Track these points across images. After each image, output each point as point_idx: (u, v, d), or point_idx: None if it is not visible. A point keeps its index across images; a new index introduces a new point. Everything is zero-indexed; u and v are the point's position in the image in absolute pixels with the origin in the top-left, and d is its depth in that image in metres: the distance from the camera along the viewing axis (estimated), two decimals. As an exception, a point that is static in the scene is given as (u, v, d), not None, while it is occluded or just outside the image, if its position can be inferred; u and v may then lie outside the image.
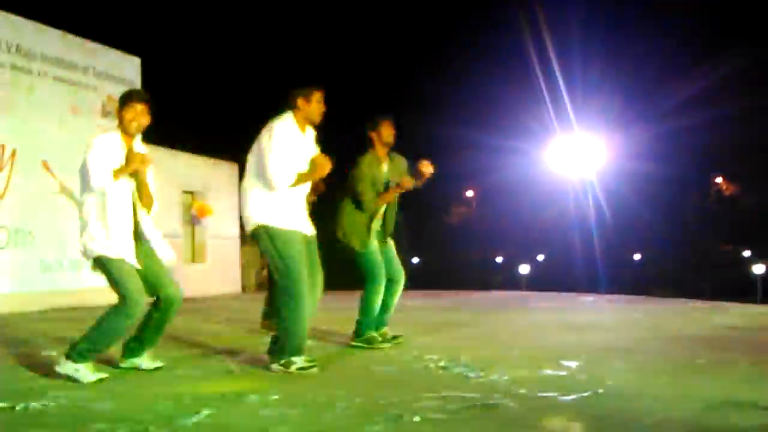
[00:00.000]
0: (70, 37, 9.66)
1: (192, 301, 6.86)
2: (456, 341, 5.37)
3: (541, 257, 33.56)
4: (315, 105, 4.26)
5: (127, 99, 4.08)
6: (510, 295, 12.24)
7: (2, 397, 3.28)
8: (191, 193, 12.16)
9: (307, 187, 4.31)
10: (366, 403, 3.14)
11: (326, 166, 4.17)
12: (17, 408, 3.11)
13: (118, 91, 10.20)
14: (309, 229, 4.33)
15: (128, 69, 10.60)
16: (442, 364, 4.18)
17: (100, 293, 4.73)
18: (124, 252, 3.86)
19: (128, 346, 4.13)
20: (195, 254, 12.30)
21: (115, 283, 3.81)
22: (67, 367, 3.75)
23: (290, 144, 4.16)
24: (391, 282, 5.17)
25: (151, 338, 4.10)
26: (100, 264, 3.87)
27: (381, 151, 5.16)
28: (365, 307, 5.12)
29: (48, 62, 9.22)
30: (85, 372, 3.72)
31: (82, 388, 3.55)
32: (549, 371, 3.94)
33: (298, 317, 4.09)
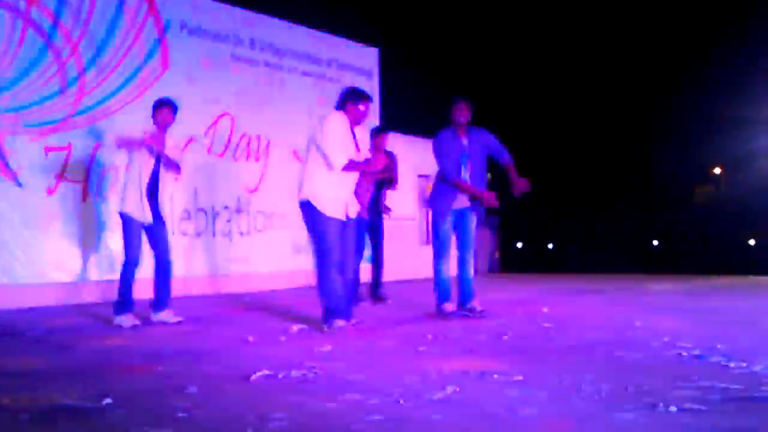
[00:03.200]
0: (315, 32, 10.30)
1: (428, 283, 7.04)
2: (710, 328, 4.98)
3: (802, 239, 30.15)
4: (361, 110, 5.14)
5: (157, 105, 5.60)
6: (767, 280, 11.15)
7: (265, 365, 3.56)
8: (426, 176, 12.45)
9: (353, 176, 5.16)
10: (615, 390, 3.01)
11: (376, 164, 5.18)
12: (279, 375, 3.37)
13: (358, 81, 10.79)
14: (350, 213, 5.18)
15: (367, 60, 11.10)
16: (696, 352, 3.90)
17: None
18: None
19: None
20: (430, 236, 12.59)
21: None
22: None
23: (344, 134, 5.04)
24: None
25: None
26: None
27: (458, 126, 5.86)
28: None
29: (296, 58, 9.92)
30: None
31: (336, 360, 3.77)
32: (824, 364, 3.52)
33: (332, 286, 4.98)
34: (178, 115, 5.75)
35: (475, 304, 5.87)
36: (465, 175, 5.85)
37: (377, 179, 7.02)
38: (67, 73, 7.45)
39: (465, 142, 5.87)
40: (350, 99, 5.16)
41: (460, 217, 5.91)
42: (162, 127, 5.57)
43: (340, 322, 4.92)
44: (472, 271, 5.97)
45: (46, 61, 7.29)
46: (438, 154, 5.87)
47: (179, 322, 5.54)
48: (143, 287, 5.73)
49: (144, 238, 5.60)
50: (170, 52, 8.36)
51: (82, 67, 7.58)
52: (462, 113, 5.86)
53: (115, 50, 7.85)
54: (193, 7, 8.72)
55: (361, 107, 5.13)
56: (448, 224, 5.86)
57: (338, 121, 5.05)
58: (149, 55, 8.16)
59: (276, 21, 9.78)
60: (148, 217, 5.44)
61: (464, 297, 5.90)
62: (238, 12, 9.30)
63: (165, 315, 5.61)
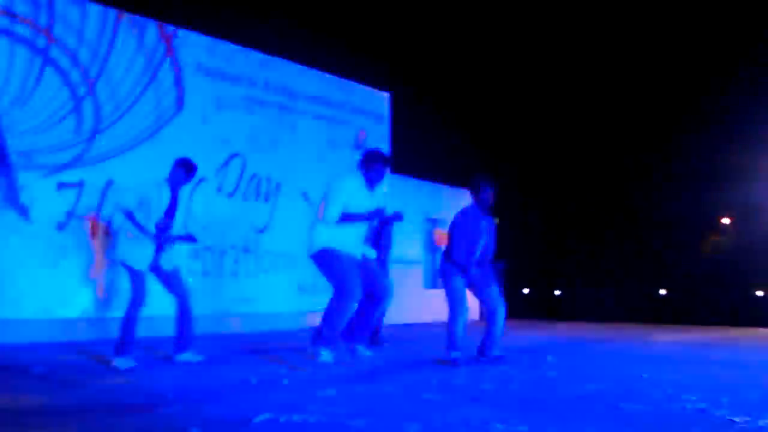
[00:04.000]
0: (327, 76, 10.45)
1: (433, 327, 7.02)
2: (715, 380, 4.94)
3: (813, 292, 29.93)
4: (373, 173, 5.43)
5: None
6: (776, 333, 11.06)
7: (267, 408, 3.56)
8: (434, 220, 12.50)
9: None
10: (617, 442, 2.99)
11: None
12: (281, 419, 3.36)
13: (369, 124, 10.92)
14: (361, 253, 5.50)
15: (379, 104, 11.23)
16: (701, 405, 3.87)
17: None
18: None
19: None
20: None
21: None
22: None
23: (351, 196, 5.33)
24: None
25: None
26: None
27: (483, 208, 5.90)
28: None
29: (308, 101, 10.05)
30: None
31: (338, 405, 3.76)
32: (830, 422, 3.49)
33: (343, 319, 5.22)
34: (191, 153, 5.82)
35: (496, 352, 5.93)
36: (477, 254, 5.89)
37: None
38: (82, 111, 7.58)
39: (484, 224, 5.93)
40: (364, 161, 5.48)
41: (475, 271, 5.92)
42: (175, 185, 5.56)
43: (327, 355, 5.21)
44: (501, 323, 5.93)
45: (62, 98, 7.43)
46: (457, 233, 5.83)
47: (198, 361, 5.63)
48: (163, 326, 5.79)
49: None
50: (185, 92, 8.50)
51: (98, 105, 7.71)
52: (491, 197, 5.89)
53: (131, 90, 7.99)
54: (209, 50, 8.89)
55: (372, 170, 5.43)
56: (459, 279, 5.84)
57: (348, 181, 5.40)
58: (165, 95, 8.30)
59: (290, 64, 9.93)
60: (141, 265, 5.42)
61: (488, 346, 5.93)
62: (253, 55, 9.46)
63: (187, 355, 5.65)
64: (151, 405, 3.73)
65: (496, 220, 6.12)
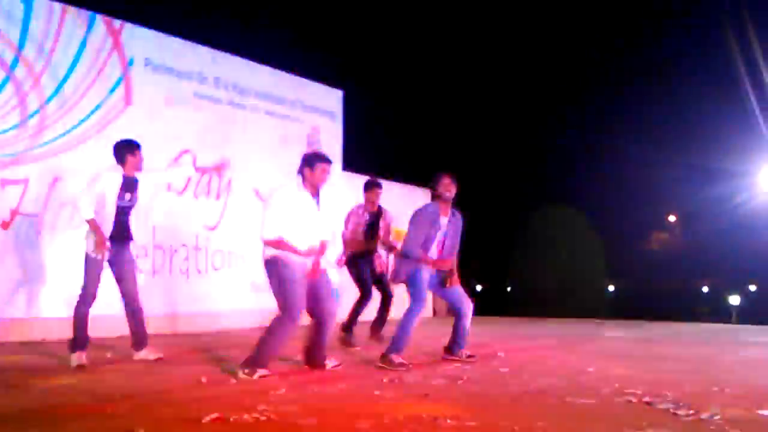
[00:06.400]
0: (280, 73, 10.38)
1: (387, 324, 7.05)
2: (660, 375, 5.07)
3: (753, 287, 30.90)
4: (318, 174, 5.02)
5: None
6: (718, 327, 11.39)
7: (217, 408, 3.53)
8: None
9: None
10: (564, 436, 3.05)
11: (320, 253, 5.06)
12: (231, 419, 3.34)
13: (322, 122, 10.89)
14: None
15: (331, 101, 11.19)
16: (645, 399, 3.97)
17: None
18: None
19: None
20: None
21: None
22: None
23: (289, 207, 4.92)
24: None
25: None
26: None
27: (441, 204, 5.80)
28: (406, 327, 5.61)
29: (260, 98, 9.97)
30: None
31: (289, 403, 3.75)
32: (768, 412, 3.62)
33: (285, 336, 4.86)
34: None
35: (466, 351, 5.91)
36: (433, 252, 5.77)
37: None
38: (27, 106, 7.40)
39: (445, 221, 5.82)
40: (306, 164, 5.06)
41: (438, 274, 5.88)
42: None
43: (263, 371, 4.72)
44: (468, 322, 5.93)
45: (6, 93, 7.24)
46: (412, 225, 5.77)
47: (158, 359, 5.61)
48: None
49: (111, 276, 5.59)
50: (133, 88, 8.35)
51: (43, 100, 7.53)
52: (449, 188, 5.79)
53: (77, 85, 7.81)
54: (158, 44, 8.74)
55: (317, 171, 5.01)
56: (423, 278, 5.72)
57: (284, 195, 4.97)
58: (112, 91, 8.14)
59: (241, 60, 9.83)
60: (103, 255, 5.38)
61: (458, 344, 5.92)
62: (204, 50, 9.34)
63: (144, 353, 5.60)
64: (98, 405, 3.67)
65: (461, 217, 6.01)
